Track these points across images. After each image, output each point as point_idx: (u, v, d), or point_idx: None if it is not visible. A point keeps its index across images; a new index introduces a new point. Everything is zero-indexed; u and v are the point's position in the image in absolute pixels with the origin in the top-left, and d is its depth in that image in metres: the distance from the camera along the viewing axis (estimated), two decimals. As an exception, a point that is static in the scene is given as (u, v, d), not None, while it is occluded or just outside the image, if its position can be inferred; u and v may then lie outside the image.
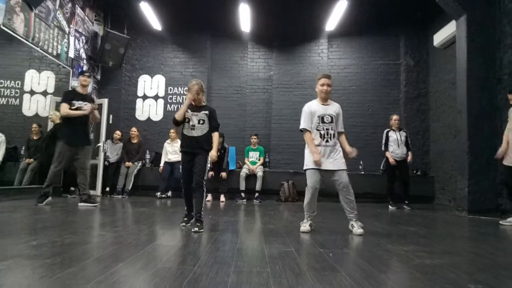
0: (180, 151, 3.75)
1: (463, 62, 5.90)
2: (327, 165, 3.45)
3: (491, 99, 5.62)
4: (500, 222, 4.56)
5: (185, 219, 3.70)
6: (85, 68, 8.21)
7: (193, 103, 3.71)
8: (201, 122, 3.64)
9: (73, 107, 5.14)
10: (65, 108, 5.05)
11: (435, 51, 8.13)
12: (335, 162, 3.45)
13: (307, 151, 3.57)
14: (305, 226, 3.52)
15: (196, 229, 3.39)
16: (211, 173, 7.17)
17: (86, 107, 5.22)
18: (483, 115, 5.69)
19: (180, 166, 3.78)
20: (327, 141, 3.47)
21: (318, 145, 3.46)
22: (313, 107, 3.55)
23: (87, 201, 5.41)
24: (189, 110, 3.66)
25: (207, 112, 3.67)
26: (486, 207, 5.37)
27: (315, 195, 3.52)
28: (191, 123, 3.63)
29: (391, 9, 8.58)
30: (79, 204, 5.42)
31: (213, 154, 3.61)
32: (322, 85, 3.53)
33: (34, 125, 6.82)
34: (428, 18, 8.33)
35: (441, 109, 7.95)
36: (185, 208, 3.78)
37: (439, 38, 7.66)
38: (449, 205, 7.23)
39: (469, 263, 2.38)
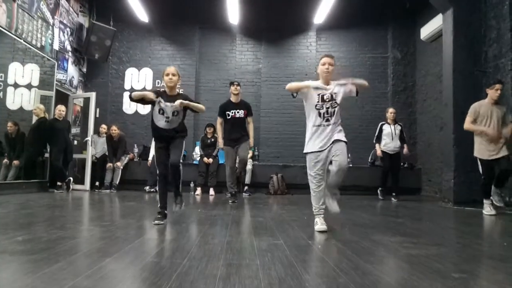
0: (154, 140, 3.53)
1: (449, 56, 5.97)
2: (327, 142, 3.15)
3: (477, 93, 5.69)
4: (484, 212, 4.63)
5: (159, 216, 3.36)
6: (70, 60, 8.07)
7: (167, 92, 3.45)
8: (176, 113, 3.40)
9: (228, 117, 5.70)
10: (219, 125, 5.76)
11: (422, 44, 8.20)
12: (337, 135, 3.16)
13: (308, 134, 3.29)
14: (321, 224, 3.12)
15: (178, 207, 3.55)
16: (210, 159, 7.29)
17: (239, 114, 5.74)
18: (468, 108, 5.76)
19: (154, 156, 3.57)
20: (327, 120, 3.18)
21: (318, 125, 3.19)
22: (314, 84, 3.25)
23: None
24: (162, 100, 3.35)
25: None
26: (471, 198, 5.47)
27: (320, 184, 3.16)
28: (165, 114, 3.36)
29: (379, 2, 8.61)
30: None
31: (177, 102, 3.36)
32: (323, 64, 3.22)
33: (10, 124, 6.60)
34: (416, 12, 8.39)
35: (428, 102, 8.04)
36: (159, 204, 3.44)
37: (426, 31, 7.72)
38: (435, 196, 7.35)
39: (455, 253, 2.42)
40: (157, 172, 3.46)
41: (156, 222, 3.30)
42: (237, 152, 5.75)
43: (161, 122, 3.38)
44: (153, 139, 7.84)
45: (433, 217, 4.63)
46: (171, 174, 3.44)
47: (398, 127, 6.79)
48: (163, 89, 3.52)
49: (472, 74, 5.84)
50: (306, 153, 3.26)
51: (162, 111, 3.36)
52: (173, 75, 3.39)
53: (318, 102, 3.19)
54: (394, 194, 6.66)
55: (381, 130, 6.78)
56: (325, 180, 3.21)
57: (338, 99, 3.21)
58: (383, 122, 6.84)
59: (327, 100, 3.18)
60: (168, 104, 3.35)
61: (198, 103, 3.58)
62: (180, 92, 3.59)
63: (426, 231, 3.41)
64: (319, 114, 3.20)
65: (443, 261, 2.12)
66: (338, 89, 3.22)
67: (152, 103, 3.36)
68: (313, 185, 3.20)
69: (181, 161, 3.43)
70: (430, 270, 1.90)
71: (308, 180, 3.25)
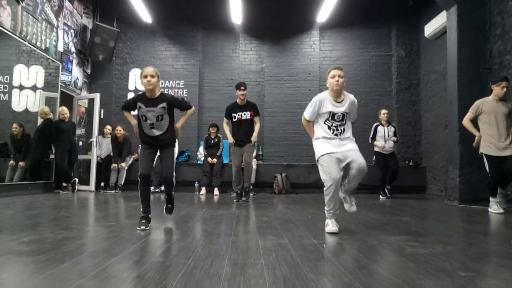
0: (141, 144, 3.24)
1: (454, 53, 5.93)
2: (339, 150, 3.01)
3: (482, 90, 5.65)
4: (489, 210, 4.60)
5: (143, 221, 3.02)
6: (75, 62, 8.10)
7: (147, 95, 3.09)
8: (160, 118, 3.06)
9: (234, 120, 5.81)
10: (225, 124, 5.93)
11: (426, 42, 8.15)
12: (347, 146, 3.03)
13: (317, 142, 3.14)
14: (332, 226, 2.98)
15: (170, 205, 3.45)
16: (214, 160, 7.36)
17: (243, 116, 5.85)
18: (473, 105, 5.74)
19: (139, 156, 3.27)
20: (336, 135, 3.06)
21: (328, 138, 3.06)
22: (325, 102, 3.08)
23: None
24: (142, 106, 3.04)
25: (164, 105, 3.07)
26: (477, 196, 5.43)
27: (337, 188, 2.95)
28: (148, 121, 3.05)
29: (382, 0, 8.57)
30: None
31: (177, 126, 3.20)
32: (333, 77, 3.03)
33: (15, 125, 6.65)
34: (419, 9, 8.34)
35: (433, 99, 8.00)
36: (141, 207, 3.12)
37: (430, 29, 7.67)
38: (440, 194, 7.31)
39: (461, 251, 2.41)
40: (139, 172, 3.09)
41: (142, 228, 2.94)
42: (242, 155, 5.76)
43: (146, 128, 3.11)
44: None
45: (439, 215, 4.60)
46: (165, 187, 3.45)
47: (392, 128, 6.82)
48: (143, 93, 3.19)
49: (477, 71, 5.80)
50: (321, 156, 3.03)
51: (144, 117, 3.07)
52: (152, 76, 3.01)
53: (328, 119, 3.07)
54: (388, 187, 6.62)
55: (375, 132, 6.81)
56: (342, 184, 3.09)
57: (349, 119, 3.11)
58: (377, 124, 6.86)
59: (338, 119, 3.06)
60: (149, 109, 3.04)
61: (182, 99, 3.32)
62: (162, 92, 3.21)
63: (431, 230, 3.39)
64: (329, 128, 3.07)
65: (449, 260, 2.10)
66: (350, 108, 3.08)
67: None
68: (329, 191, 2.94)
69: (174, 174, 3.35)
70: (436, 269, 1.89)
71: (324, 184, 2.99)
